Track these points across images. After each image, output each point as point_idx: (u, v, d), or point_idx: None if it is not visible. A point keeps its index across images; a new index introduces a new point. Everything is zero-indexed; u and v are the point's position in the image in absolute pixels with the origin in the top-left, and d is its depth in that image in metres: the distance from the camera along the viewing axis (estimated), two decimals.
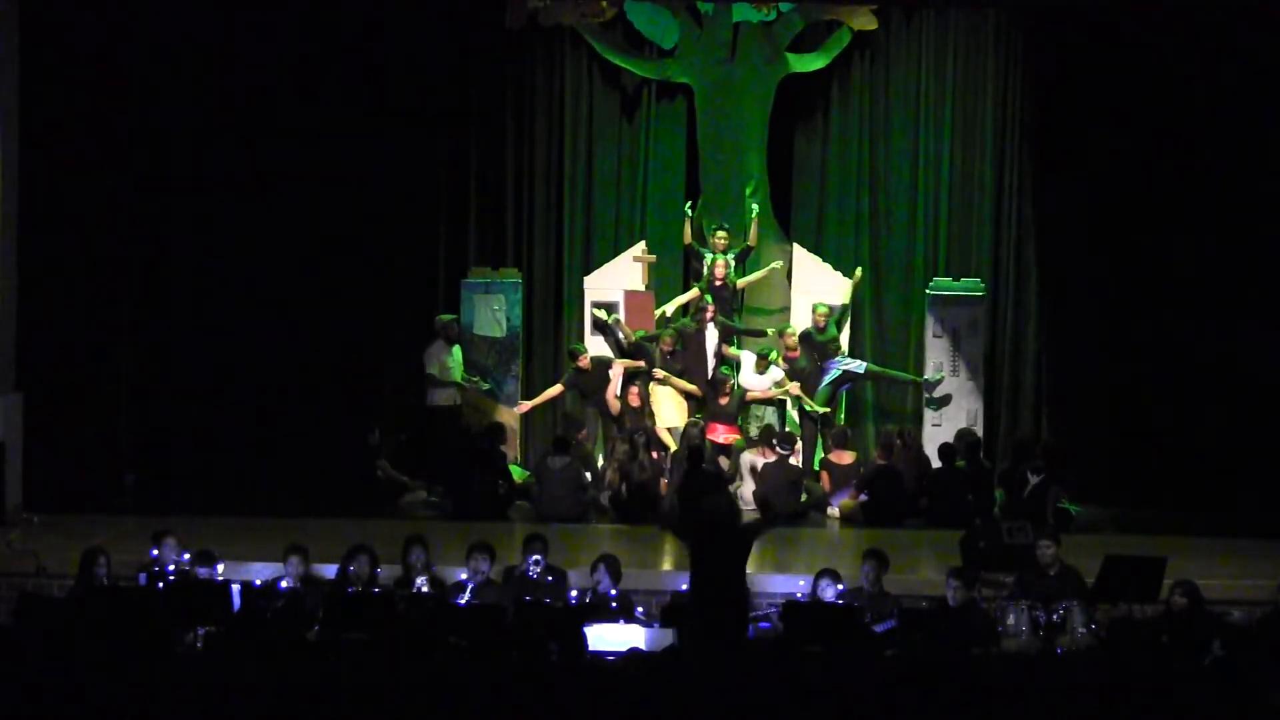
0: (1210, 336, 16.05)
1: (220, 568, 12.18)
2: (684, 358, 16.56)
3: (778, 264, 17.22)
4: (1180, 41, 15.91)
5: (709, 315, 16.63)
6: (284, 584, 12.02)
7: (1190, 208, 16.29)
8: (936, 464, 15.90)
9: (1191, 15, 15.61)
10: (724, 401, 16.26)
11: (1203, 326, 16.07)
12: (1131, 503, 15.64)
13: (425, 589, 11.93)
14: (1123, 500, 15.70)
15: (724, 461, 16.02)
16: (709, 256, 16.90)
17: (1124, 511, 15.40)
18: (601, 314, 16.95)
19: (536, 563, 12.28)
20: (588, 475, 15.81)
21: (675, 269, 17.52)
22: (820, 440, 16.66)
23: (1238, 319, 16.05)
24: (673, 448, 16.05)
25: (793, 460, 16.01)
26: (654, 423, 16.35)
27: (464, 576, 12.25)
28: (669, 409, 16.52)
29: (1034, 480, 15.32)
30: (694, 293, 17.00)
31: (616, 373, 16.49)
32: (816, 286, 17.15)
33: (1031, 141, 17.12)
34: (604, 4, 17.04)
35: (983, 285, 16.94)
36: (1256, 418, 15.98)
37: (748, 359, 16.65)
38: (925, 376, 16.87)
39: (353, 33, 16.30)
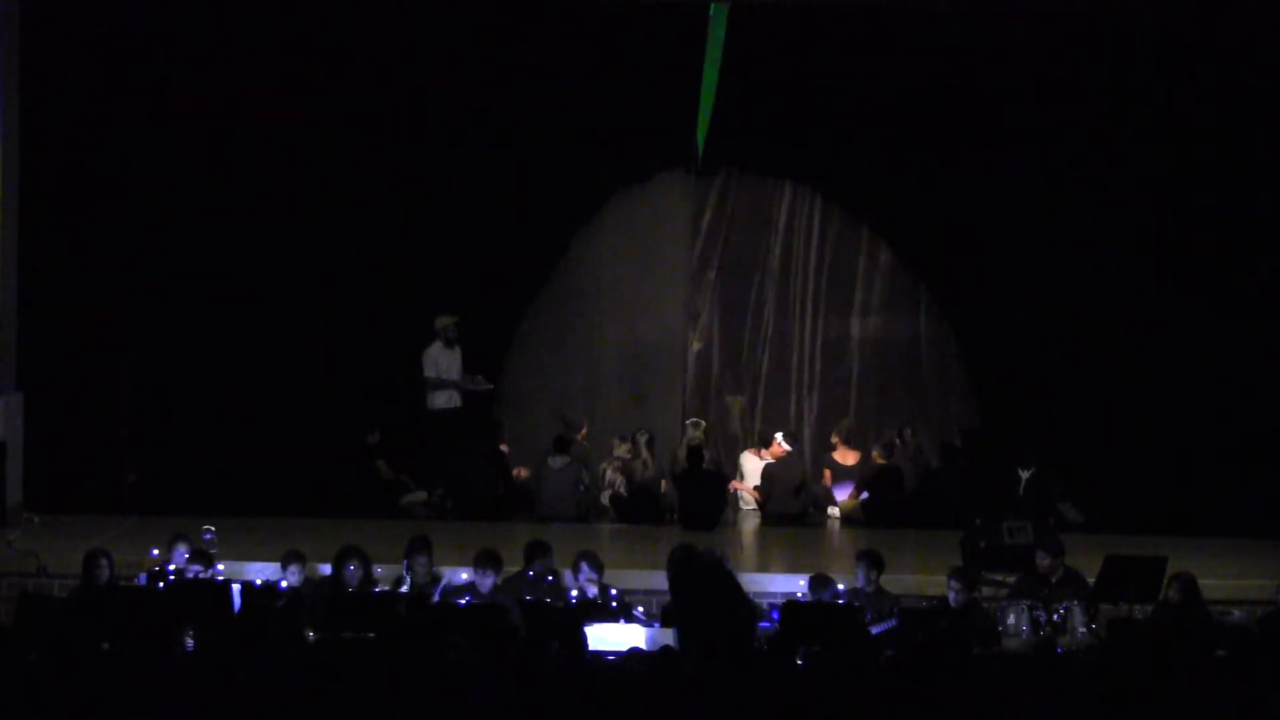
0: (1210, 335, 16.03)
1: (221, 567, 12.19)
2: None
3: None
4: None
5: None
6: (284, 584, 12.01)
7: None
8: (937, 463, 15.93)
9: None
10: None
11: (1201, 325, 16.05)
12: (1130, 503, 15.61)
13: (417, 590, 11.92)
14: (1122, 501, 15.66)
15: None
16: None
17: (1123, 512, 15.37)
18: None
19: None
20: (587, 475, 15.82)
21: None
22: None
23: (1237, 318, 16.04)
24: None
25: (795, 460, 16.01)
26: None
27: (465, 577, 12.22)
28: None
29: (1025, 475, 15.30)
30: None
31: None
32: None
33: None
34: None
35: None
36: (1256, 417, 15.96)
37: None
38: None
39: (329, 35, 16.15)
